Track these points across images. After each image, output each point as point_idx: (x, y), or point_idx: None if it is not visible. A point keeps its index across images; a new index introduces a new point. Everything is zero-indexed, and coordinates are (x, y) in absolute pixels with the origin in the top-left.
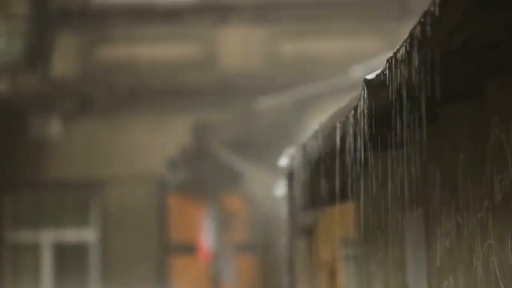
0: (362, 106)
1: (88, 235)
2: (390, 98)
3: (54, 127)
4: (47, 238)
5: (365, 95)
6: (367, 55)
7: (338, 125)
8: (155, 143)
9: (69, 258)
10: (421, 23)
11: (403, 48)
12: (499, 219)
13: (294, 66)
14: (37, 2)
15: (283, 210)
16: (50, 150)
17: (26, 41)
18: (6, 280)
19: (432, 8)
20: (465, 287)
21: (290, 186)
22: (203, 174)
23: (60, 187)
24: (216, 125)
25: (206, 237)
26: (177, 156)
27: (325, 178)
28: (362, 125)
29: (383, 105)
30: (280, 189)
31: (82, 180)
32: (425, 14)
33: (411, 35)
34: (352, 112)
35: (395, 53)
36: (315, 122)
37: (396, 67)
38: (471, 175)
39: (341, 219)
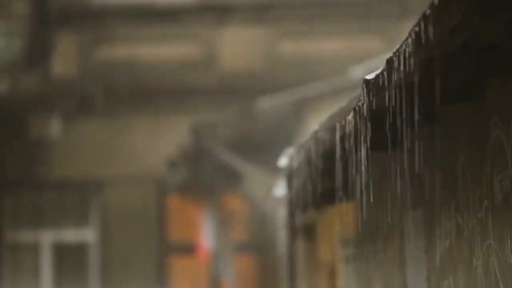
0: (362, 106)
1: (88, 235)
2: (390, 98)
3: (54, 127)
4: (47, 238)
5: (365, 95)
6: (367, 55)
7: (338, 125)
8: (155, 143)
9: (69, 258)
10: (421, 23)
11: (403, 48)
12: (499, 219)
13: (294, 66)
14: (37, 2)
15: (283, 210)
16: (50, 150)
17: (26, 41)
18: (6, 280)
19: (432, 8)
20: (465, 287)
21: (290, 186)
22: (203, 174)
23: (60, 187)
24: (216, 125)
25: (206, 237)
26: (176, 156)
27: (324, 178)
28: (361, 125)
29: (382, 105)
30: (280, 189)
31: (82, 180)
32: (425, 14)
33: (411, 35)
34: (352, 112)
35: (395, 53)
36: (315, 122)
37: (395, 67)
38: (471, 175)
39: (341, 219)
